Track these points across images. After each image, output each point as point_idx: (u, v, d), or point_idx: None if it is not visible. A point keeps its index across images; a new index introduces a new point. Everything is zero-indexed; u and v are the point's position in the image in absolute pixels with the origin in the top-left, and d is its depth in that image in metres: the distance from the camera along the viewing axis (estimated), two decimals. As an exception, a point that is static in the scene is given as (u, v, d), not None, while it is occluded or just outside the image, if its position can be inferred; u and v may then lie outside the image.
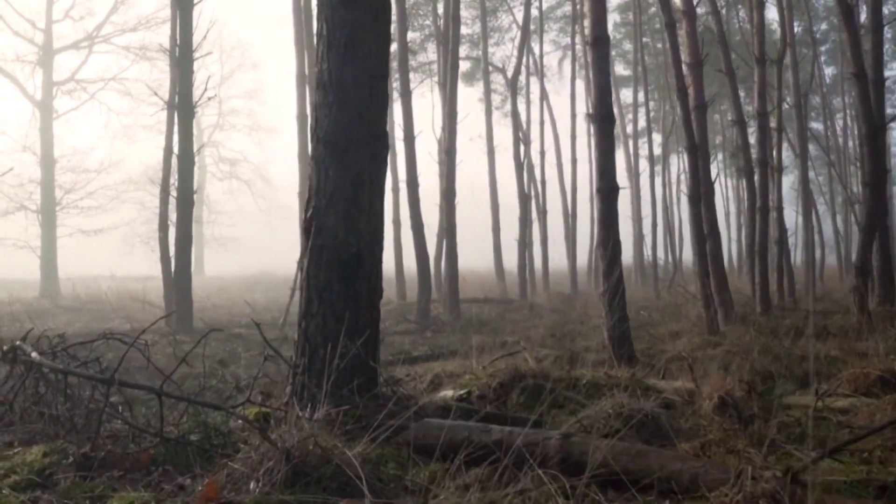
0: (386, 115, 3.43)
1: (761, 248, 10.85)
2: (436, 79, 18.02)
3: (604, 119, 6.65)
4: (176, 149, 10.72)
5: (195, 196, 12.41)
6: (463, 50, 19.66)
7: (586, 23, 7.34)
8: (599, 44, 6.72)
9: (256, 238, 24.38)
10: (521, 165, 16.73)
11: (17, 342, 3.07)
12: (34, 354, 2.82)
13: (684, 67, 9.52)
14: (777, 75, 12.66)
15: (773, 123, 12.43)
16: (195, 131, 13.15)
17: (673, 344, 8.01)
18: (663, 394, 3.67)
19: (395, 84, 15.64)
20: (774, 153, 12.76)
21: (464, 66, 21.45)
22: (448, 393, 3.66)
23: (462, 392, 3.53)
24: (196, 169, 14.32)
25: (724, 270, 9.85)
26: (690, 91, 9.37)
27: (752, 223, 11.57)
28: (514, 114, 17.35)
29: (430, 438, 2.76)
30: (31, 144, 18.87)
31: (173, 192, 11.02)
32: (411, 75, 23.65)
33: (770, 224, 11.49)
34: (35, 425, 2.99)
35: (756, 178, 11.24)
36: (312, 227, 3.28)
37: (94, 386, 2.97)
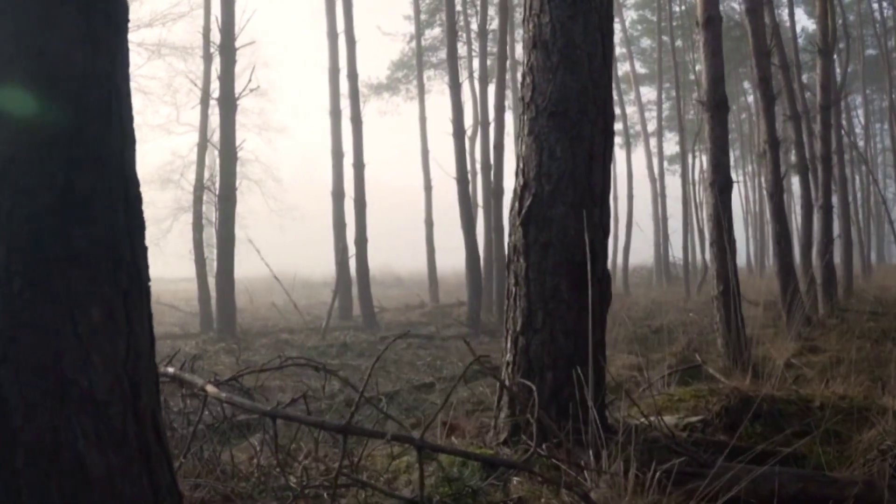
0: (612, 80, 2.79)
1: (824, 249, 10.45)
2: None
3: (718, 106, 6.08)
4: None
5: (206, 194, 11.64)
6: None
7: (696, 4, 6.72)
8: (712, 24, 6.15)
9: (266, 239, 23.50)
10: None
11: (172, 370, 2.36)
12: (210, 388, 2.11)
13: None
14: (832, 67, 12.24)
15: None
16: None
17: (764, 348, 7.49)
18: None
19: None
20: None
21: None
22: (666, 419, 3.02)
23: (695, 420, 2.89)
24: (206, 169, 13.50)
25: (794, 271, 9.39)
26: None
27: (806, 222, 11.13)
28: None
29: (743, 491, 2.12)
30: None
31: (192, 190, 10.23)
32: (430, 72, 22.98)
33: (815, 224, 11.07)
34: (201, 479, 2.29)
35: (819, 175, 10.83)
36: (532, 220, 2.62)
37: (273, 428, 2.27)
